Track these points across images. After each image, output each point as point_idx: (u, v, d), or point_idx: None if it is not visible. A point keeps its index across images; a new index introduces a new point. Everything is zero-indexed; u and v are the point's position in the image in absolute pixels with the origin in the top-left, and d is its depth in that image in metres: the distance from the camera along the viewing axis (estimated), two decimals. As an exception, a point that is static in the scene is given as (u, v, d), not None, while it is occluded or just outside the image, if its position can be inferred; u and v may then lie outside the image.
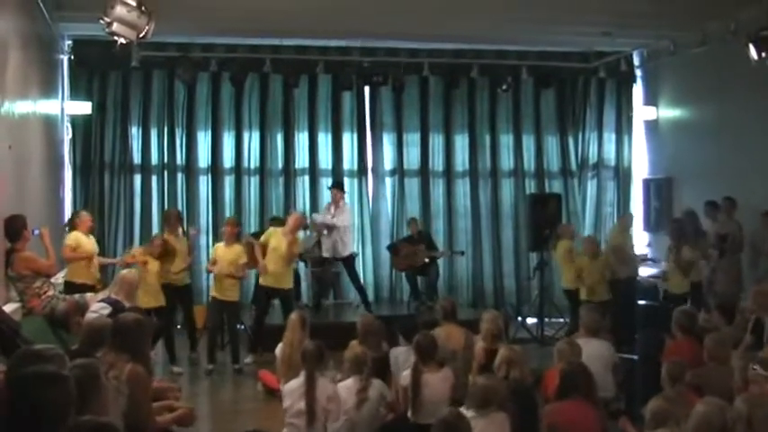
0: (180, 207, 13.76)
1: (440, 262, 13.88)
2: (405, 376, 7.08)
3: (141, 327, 5.70)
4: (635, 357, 8.62)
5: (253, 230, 13.18)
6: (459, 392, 6.96)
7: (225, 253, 10.86)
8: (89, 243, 10.10)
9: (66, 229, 10.50)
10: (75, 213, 10.66)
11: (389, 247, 14.06)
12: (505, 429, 5.74)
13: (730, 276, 11.20)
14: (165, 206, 13.88)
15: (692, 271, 11.13)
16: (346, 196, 14.00)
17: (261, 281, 11.35)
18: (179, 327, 11.77)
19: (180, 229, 11.34)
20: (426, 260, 13.30)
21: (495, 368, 6.56)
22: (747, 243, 11.30)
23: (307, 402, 6.58)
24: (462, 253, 14.30)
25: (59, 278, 9.51)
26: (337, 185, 13.35)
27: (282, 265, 11.12)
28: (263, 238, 11.32)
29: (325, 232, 12.87)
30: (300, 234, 11.96)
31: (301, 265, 13.37)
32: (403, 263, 13.39)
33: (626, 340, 9.52)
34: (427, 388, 6.89)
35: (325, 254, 12.88)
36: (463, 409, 5.60)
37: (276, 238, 11.12)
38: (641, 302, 11.85)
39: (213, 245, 12.30)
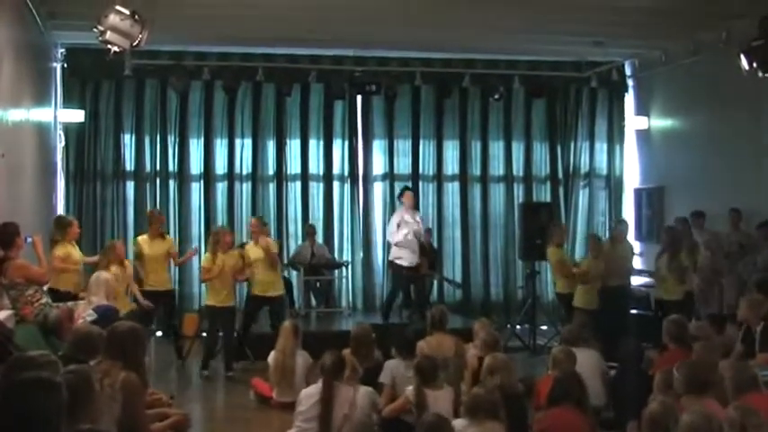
0: (172, 214, 13.81)
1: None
2: (410, 390, 7.09)
3: (136, 335, 5.69)
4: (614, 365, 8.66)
5: (244, 240, 13.13)
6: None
7: (227, 259, 10.84)
8: (77, 253, 9.92)
9: (55, 237, 9.94)
10: (65, 222, 10.11)
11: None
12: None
13: (738, 287, 11.13)
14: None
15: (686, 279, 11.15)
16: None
17: (253, 290, 11.38)
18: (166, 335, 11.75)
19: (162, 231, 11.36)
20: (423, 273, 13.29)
21: (482, 376, 6.60)
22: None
23: (322, 410, 6.73)
24: (459, 286, 14.23)
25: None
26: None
27: (269, 271, 11.19)
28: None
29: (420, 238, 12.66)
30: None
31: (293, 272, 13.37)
32: None
33: (615, 349, 9.52)
34: (434, 405, 6.89)
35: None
36: (458, 420, 5.66)
37: (252, 251, 11.22)
38: (633, 311, 11.90)
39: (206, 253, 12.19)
